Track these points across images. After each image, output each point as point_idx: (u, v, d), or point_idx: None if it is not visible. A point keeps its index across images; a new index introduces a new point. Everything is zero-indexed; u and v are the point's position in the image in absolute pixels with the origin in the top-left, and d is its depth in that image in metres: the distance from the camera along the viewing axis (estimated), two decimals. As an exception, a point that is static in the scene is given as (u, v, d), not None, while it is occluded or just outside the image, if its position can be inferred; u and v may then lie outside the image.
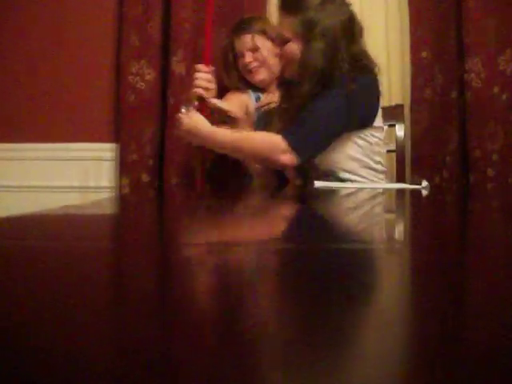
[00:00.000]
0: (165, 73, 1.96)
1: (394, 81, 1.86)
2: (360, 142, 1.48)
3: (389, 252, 0.43)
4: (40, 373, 0.17)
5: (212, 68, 1.61)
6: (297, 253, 0.41)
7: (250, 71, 1.73)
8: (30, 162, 2.08)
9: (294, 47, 1.48)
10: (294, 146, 1.41)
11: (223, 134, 1.51)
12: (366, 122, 1.47)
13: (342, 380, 0.17)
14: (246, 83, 1.78)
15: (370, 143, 1.49)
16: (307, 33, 1.44)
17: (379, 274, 0.35)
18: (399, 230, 0.61)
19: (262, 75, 1.73)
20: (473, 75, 1.72)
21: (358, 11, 1.91)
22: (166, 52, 1.96)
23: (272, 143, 1.44)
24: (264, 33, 1.73)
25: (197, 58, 1.93)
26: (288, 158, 1.42)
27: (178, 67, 1.91)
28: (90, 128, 2.07)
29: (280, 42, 1.53)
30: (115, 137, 2.03)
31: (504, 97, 1.72)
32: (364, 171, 1.49)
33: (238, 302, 0.28)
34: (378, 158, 1.52)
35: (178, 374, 0.17)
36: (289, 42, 1.49)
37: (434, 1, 1.79)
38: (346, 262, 0.37)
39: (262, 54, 1.72)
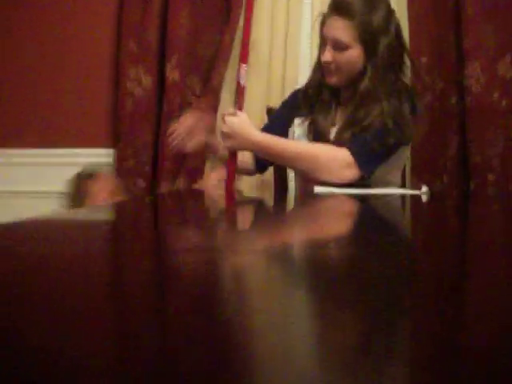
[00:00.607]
0: (161, 79, 1.97)
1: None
2: (401, 155, 1.48)
3: (386, 255, 0.43)
4: (37, 378, 0.17)
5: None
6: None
7: (326, 71, 1.45)
8: (26, 168, 2.08)
9: (354, 55, 1.39)
10: (360, 161, 1.37)
11: (281, 142, 1.40)
12: (410, 138, 1.46)
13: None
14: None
15: (402, 158, 1.51)
16: (368, 39, 1.37)
17: (377, 276, 0.34)
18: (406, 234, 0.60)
19: (336, 79, 1.44)
20: (472, 80, 1.72)
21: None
22: (162, 58, 1.96)
23: (339, 157, 1.37)
24: (359, 29, 1.38)
25: (192, 64, 1.93)
26: (353, 172, 1.37)
27: (172, 73, 1.92)
28: (86, 133, 2.07)
29: (338, 47, 1.39)
30: (112, 142, 2.03)
31: (504, 102, 1.72)
32: (394, 184, 1.51)
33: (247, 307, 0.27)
34: (398, 174, 1.55)
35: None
36: (348, 48, 1.38)
37: (433, 6, 1.80)
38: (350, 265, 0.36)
39: (344, 57, 1.40)
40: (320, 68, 1.47)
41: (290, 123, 1.55)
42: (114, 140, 2.01)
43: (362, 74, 1.41)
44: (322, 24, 1.44)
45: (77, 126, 2.08)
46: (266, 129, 1.54)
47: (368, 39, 1.38)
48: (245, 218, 0.85)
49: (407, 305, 0.26)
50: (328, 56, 1.40)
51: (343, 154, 1.37)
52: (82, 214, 0.84)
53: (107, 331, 0.22)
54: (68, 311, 0.25)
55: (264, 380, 0.17)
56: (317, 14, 1.57)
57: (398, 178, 1.53)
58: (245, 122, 1.37)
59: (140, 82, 1.96)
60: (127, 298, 0.28)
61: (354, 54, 1.39)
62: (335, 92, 1.49)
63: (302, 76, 1.91)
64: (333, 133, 1.47)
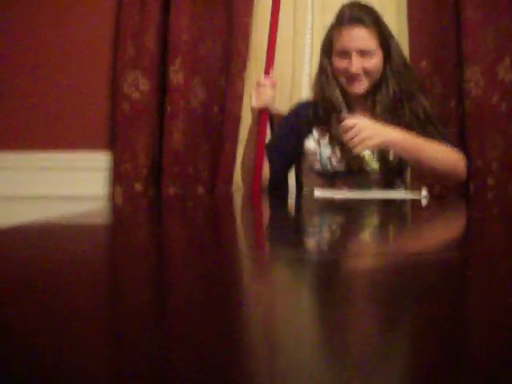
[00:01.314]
0: (161, 82, 1.96)
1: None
2: None
3: (388, 262, 0.42)
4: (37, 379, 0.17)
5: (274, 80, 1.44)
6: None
7: (353, 79, 1.48)
8: (22, 171, 2.07)
9: (379, 60, 1.47)
10: (461, 152, 1.48)
11: (419, 141, 1.41)
12: None
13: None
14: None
15: None
16: (385, 43, 1.48)
17: (380, 283, 0.34)
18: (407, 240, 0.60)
19: (364, 86, 1.48)
20: (472, 84, 1.72)
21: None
22: (162, 62, 1.96)
23: (458, 156, 1.47)
24: (379, 36, 1.47)
25: (195, 67, 1.93)
26: (466, 164, 1.48)
27: (175, 77, 1.91)
28: (83, 136, 2.06)
29: (366, 55, 1.46)
30: (109, 145, 2.02)
31: (503, 105, 1.72)
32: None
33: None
34: None
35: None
36: (374, 54, 1.46)
37: (433, 10, 1.80)
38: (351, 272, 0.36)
39: (372, 64, 1.46)
40: (335, 80, 1.51)
41: (301, 140, 1.56)
42: (111, 143, 2.00)
43: (381, 79, 1.48)
44: (334, 35, 1.50)
45: (74, 128, 2.07)
46: (273, 146, 1.56)
47: (385, 44, 1.48)
48: (353, 220, 0.85)
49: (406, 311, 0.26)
50: (358, 65, 1.45)
51: (460, 155, 1.48)
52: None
53: (105, 340, 0.21)
54: (66, 317, 0.25)
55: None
56: (318, 21, 1.60)
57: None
58: (375, 123, 1.40)
59: (137, 85, 1.95)
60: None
61: (379, 59, 1.47)
62: (349, 104, 1.52)
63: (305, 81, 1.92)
64: None
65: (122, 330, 0.23)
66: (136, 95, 1.95)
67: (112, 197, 1.98)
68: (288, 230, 0.65)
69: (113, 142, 1.99)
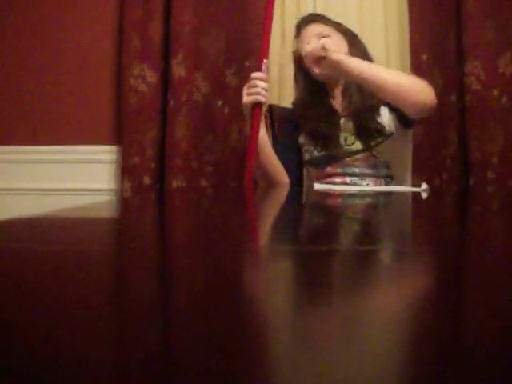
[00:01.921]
0: (165, 75, 1.97)
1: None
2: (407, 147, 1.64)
3: (387, 256, 0.43)
4: (37, 377, 0.17)
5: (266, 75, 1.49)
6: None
7: (312, 62, 1.52)
8: (31, 165, 2.09)
9: (337, 40, 1.54)
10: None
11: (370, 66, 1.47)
12: None
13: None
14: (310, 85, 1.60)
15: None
16: (345, 31, 1.59)
17: (379, 277, 0.35)
18: (401, 232, 0.61)
19: (325, 67, 1.50)
20: (472, 78, 1.72)
21: (358, 14, 1.92)
22: (166, 54, 1.96)
23: (421, 82, 1.48)
24: (336, 26, 1.60)
25: (197, 60, 1.94)
26: (432, 95, 1.47)
27: (178, 70, 1.92)
28: (91, 130, 2.07)
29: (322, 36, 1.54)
30: (117, 139, 2.03)
31: (504, 99, 1.72)
32: (406, 171, 1.63)
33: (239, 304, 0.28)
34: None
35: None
36: (330, 36, 1.54)
37: (434, 4, 1.79)
38: (340, 264, 0.37)
39: (332, 41, 1.53)
40: (307, 78, 1.58)
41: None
42: (119, 137, 2.01)
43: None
44: (297, 43, 1.61)
45: (81, 123, 2.08)
46: (280, 146, 1.62)
47: (342, 31, 1.57)
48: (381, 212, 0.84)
49: (405, 307, 0.27)
50: (315, 44, 1.51)
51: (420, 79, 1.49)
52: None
53: (108, 336, 0.21)
54: (70, 311, 0.24)
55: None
56: None
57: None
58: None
59: (144, 78, 1.96)
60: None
61: (337, 39, 1.55)
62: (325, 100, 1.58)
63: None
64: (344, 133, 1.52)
65: (125, 325, 0.23)
66: (143, 88, 1.95)
67: (121, 190, 1.99)
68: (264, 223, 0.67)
69: (120, 135, 2.01)
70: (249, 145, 1.46)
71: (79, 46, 2.08)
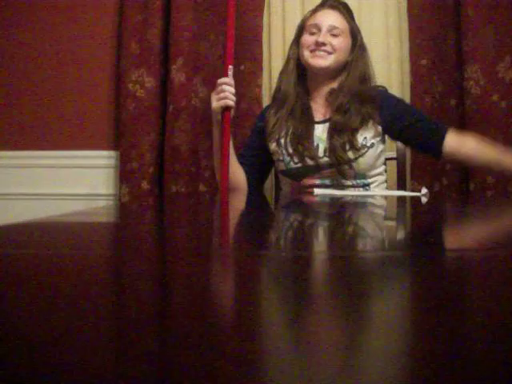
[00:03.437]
0: (164, 80, 1.97)
1: (393, 88, 1.86)
2: (383, 147, 1.55)
3: (388, 259, 0.43)
4: (37, 379, 0.17)
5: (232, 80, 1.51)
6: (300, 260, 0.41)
7: (316, 54, 1.51)
8: (29, 170, 2.09)
9: (345, 42, 1.52)
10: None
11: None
12: None
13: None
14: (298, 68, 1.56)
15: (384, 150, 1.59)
16: (354, 35, 1.55)
17: (380, 281, 0.35)
18: (399, 237, 0.61)
19: (328, 62, 1.50)
20: (472, 83, 1.72)
21: (358, 19, 1.92)
22: (165, 60, 1.97)
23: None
24: (351, 26, 1.55)
25: (196, 65, 1.94)
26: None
27: (177, 75, 1.92)
28: (89, 135, 2.07)
29: (334, 33, 1.52)
30: (115, 144, 2.03)
31: (503, 104, 1.72)
32: (382, 177, 1.56)
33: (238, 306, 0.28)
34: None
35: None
36: (342, 34, 1.52)
37: (434, 9, 1.80)
38: (345, 269, 0.37)
39: (339, 41, 1.51)
40: (296, 69, 1.55)
41: (267, 142, 1.58)
42: (117, 142, 2.01)
43: (342, 69, 1.52)
44: (308, 19, 1.56)
45: (79, 128, 2.08)
46: (245, 154, 1.62)
47: (354, 35, 1.54)
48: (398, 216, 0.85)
49: (403, 308, 0.27)
50: (327, 38, 1.50)
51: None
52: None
53: (108, 339, 0.22)
54: (70, 315, 0.25)
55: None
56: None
57: (383, 174, 1.59)
58: None
59: (142, 83, 1.96)
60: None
61: (347, 42, 1.52)
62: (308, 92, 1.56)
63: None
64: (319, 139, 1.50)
65: (123, 326, 0.23)
66: (141, 93, 1.96)
67: (119, 195, 1.99)
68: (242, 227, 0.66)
69: (119, 140, 2.01)
70: (222, 148, 1.48)
71: (78, 51, 2.09)
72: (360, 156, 1.47)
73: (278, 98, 1.57)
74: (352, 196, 1.38)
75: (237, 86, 1.92)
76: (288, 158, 1.53)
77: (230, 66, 1.50)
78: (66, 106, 2.09)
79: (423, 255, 0.44)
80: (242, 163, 1.58)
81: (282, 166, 1.55)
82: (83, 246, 0.52)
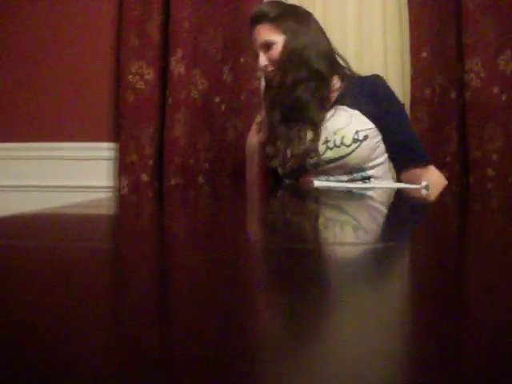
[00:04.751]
0: (164, 72, 1.97)
1: (393, 81, 1.85)
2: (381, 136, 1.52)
3: (387, 251, 0.43)
4: (36, 373, 0.17)
5: None
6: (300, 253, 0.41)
7: (265, 76, 1.53)
8: (29, 162, 2.09)
9: (280, 45, 1.49)
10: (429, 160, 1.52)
11: None
12: None
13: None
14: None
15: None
16: (287, 28, 1.50)
17: (378, 274, 0.35)
18: (399, 229, 0.61)
19: (273, 72, 1.50)
20: (472, 75, 1.71)
21: (357, 12, 1.92)
22: (165, 52, 1.96)
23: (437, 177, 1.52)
24: (278, 24, 1.50)
25: (196, 57, 1.94)
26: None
27: (177, 67, 1.92)
28: (89, 127, 2.07)
29: (268, 47, 1.50)
30: (115, 136, 2.03)
31: (504, 97, 1.71)
32: (385, 166, 1.54)
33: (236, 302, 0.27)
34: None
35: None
36: (274, 43, 1.49)
37: (434, 1, 1.79)
38: (341, 262, 0.37)
39: (274, 53, 1.49)
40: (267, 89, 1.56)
41: None
42: (117, 134, 2.01)
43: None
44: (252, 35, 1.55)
45: (79, 120, 2.08)
46: None
47: (284, 29, 1.49)
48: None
49: (403, 303, 0.26)
50: (264, 61, 1.50)
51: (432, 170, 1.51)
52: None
53: (107, 332, 0.22)
54: (69, 307, 0.25)
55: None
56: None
57: (384, 164, 1.56)
58: None
59: (142, 75, 1.96)
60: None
61: (279, 47, 1.49)
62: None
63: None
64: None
65: (123, 319, 0.23)
66: (141, 85, 1.96)
67: (118, 187, 1.99)
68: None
69: (118, 132, 2.00)
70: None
71: (78, 43, 2.09)
72: (352, 151, 1.46)
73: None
74: (349, 188, 1.38)
75: (236, 78, 1.93)
76: (283, 163, 1.52)
77: None
78: (66, 98, 2.09)
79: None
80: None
81: (278, 170, 1.55)
82: (82, 237, 0.52)
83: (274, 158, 1.52)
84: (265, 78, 1.55)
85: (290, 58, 1.48)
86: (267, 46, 1.50)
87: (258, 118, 1.60)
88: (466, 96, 1.73)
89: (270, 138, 1.53)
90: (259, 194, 1.42)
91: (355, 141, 1.45)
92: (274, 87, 1.51)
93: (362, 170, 1.50)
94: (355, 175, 1.50)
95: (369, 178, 1.51)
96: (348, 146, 1.45)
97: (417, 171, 1.48)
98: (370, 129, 1.46)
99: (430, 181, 1.39)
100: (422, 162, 1.49)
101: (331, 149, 1.46)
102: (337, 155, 1.46)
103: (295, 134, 1.48)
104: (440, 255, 0.41)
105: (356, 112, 1.47)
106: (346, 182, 1.50)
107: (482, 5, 1.71)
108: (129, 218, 0.78)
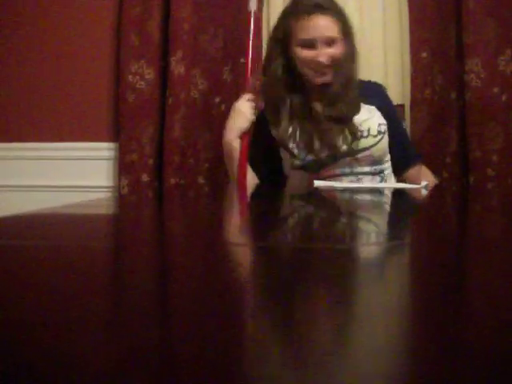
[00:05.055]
0: (164, 72, 1.97)
1: (393, 81, 1.85)
2: None
3: (387, 251, 0.43)
4: (37, 372, 0.17)
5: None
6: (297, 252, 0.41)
7: (319, 73, 1.44)
8: (29, 162, 2.09)
9: (341, 48, 1.44)
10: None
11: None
12: None
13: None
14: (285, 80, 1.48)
15: None
16: (347, 30, 1.46)
17: (378, 273, 0.35)
18: (398, 229, 0.61)
19: (330, 76, 1.45)
20: (472, 75, 1.71)
21: (357, 11, 1.92)
22: (165, 52, 1.96)
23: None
24: (342, 25, 1.43)
25: (196, 57, 1.94)
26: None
27: (177, 67, 1.92)
28: (89, 127, 2.07)
29: (329, 44, 1.43)
30: (115, 136, 2.03)
31: (504, 97, 1.72)
32: (390, 164, 1.57)
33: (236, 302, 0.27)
34: None
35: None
36: (337, 42, 1.43)
37: (434, 1, 1.79)
38: (341, 261, 0.37)
39: (336, 51, 1.42)
40: (284, 74, 1.47)
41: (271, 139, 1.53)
42: (117, 134, 2.01)
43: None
44: (294, 25, 1.43)
45: (79, 120, 2.08)
46: (252, 156, 1.51)
47: (346, 31, 1.45)
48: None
49: (401, 303, 0.26)
50: (327, 56, 1.43)
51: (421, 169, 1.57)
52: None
53: (106, 331, 0.22)
54: (68, 306, 0.25)
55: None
56: None
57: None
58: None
59: (142, 75, 1.96)
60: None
61: (341, 46, 1.44)
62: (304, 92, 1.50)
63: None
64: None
65: (124, 321, 0.23)
66: (141, 85, 1.95)
67: (118, 187, 1.99)
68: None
69: (118, 132, 2.00)
70: (242, 153, 1.46)
71: (78, 43, 2.08)
72: (378, 142, 1.48)
73: (269, 102, 1.50)
74: (349, 188, 1.38)
75: (236, 78, 1.93)
76: (303, 153, 1.49)
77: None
78: (66, 98, 2.09)
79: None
80: (253, 167, 1.52)
81: (296, 162, 1.52)
82: (82, 237, 0.52)
83: (303, 150, 1.49)
84: (312, 72, 1.46)
85: (352, 60, 1.47)
86: (329, 42, 1.42)
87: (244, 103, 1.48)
88: (466, 96, 1.73)
89: (285, 134, 1.50)
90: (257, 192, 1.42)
91: (379, 133, 1.49)
92: (330, 84, 1.46)
93: (381, 163, 1.52)
94: (375, 168, 1.52)
95: (383, 171, 1.53)
96: (374, 137, 1.48)
97: (413, 171, 1.55)
98: (385, 124, 1.50)
99: (429, 180, 1.46)
100: (416, 160, 1.58)
101: (359, 139, 1.48)
102: (366, 145, 1.48)
103: (329, 125, 1.48)
104: (441, 255, 0.41)
105: (373, 107, 1.50)
106: (366, 174, 1.51)
107: (482, 5, 1.71)
108: (128, 218, 0.78)
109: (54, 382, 0.17)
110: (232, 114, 1.46)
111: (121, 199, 1.38)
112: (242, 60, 1.90)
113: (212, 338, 0.21)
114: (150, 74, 1.96)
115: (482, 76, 1.71)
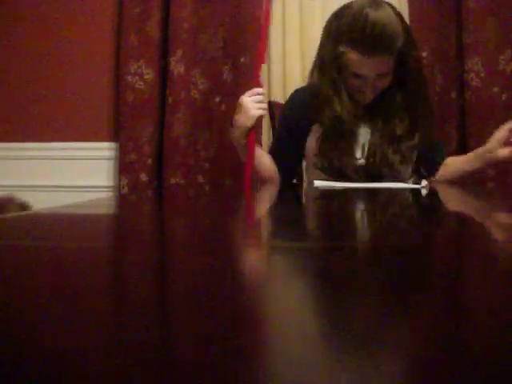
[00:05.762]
0: (163, 72, 1.97)
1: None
2: None
3: (385, 251, 0.43)
4: (36, 372, 0.17)
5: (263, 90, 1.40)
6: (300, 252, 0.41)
7: (359, 97, 1.42)
8: (29, 162, 2.09)
9: (390, 77, 1.38)
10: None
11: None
12: None
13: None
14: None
15: None
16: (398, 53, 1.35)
17: (376, 274, 0.35)
18: (396, 229, 0.61)
19: (372, 97, 1.41)
20: (473, 75, 1.72)
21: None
22: (164, 52, 1.97)
23: None
24: (397, 49, 1.32)
25: (196, 57, 1.94)
26: None
27: (176, 67, 1.92)
28: (89, 127, 2.07)
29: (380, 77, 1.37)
30: (115, 136, 2.04)
31: (504, 96, 1.72)
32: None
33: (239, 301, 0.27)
34: None
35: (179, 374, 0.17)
36: (387, 75, 1.36)
37: (434, 0, 1.79)
38: (343, 261, 0.37)
39: (385, 82, 1.38)
40: (336, 92, 1.41)
41: (303, 132, 1.49)
42: (116, 134, 2.02)
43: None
44: (352, 57, 1.34)
45: (79, 119, 2.08)
46: (277, 150, 1.50)
47: (398, 54, 1.34)
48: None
49: (400, 304, 0.26)
50: (371, 96, 1.40)
51: None
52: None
53: (106, 332, 0.22)
54: (68, 308, 0.25)
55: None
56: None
57: None
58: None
59: (141, 75, 1.96)
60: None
61: (390, 76, 1.36)
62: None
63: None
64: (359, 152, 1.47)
65: (124, 321, 0.23)
66: (140, 85, 1.96)
67: (118, 187, 2.00)
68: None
69: (118, 132, 2.01)
70: (248, 151, 1.44)
71: (77, 43, 2.09)
72: (404, 163, 1.48)
73: (318, 104, 1.43)
74: (349, 188, 1.38)
75: (236, 78, 1.93)
76: (335, 156, 1.47)
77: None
78: (66, 98, 2.09)
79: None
80: (274, 158, 1.50)
81: (322, 163, 1.49)
82: (82, 237, 0.52)
83: (343, 154, 1.47)
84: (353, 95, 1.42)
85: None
86: (380, 76, 1.36)
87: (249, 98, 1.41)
88: (466, 95, 1.73)
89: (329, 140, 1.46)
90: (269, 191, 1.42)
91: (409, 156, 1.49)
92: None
93: (402, 180, 1.53)
94: (407, 174, 1.52)
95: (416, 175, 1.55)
96: (404, 158, 1.48)
97: (441, 171, 1.55)
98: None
99: (458, 168, 1.50)
100: (441, 161, 1.56)
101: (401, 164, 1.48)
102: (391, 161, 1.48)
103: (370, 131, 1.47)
104: (442, 255, 0.41)
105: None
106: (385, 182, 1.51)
107: (482, 5, 1.71)
108: (128, 218, 0.78)
109: (53, 382, 0.17)
110: (238, 109, 1.43)
111: (121, 199, 1.38)
112: (243, 59, 1.90)
113: (214, 338, 0.21)
114: (149, 73, 1.96)
115: (482, 75, 1.71)
